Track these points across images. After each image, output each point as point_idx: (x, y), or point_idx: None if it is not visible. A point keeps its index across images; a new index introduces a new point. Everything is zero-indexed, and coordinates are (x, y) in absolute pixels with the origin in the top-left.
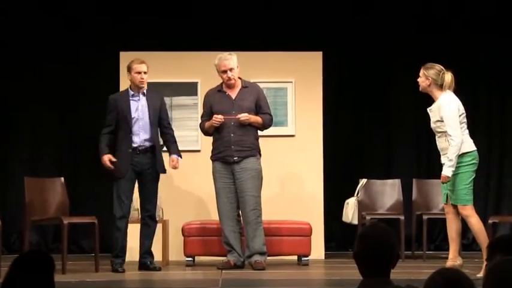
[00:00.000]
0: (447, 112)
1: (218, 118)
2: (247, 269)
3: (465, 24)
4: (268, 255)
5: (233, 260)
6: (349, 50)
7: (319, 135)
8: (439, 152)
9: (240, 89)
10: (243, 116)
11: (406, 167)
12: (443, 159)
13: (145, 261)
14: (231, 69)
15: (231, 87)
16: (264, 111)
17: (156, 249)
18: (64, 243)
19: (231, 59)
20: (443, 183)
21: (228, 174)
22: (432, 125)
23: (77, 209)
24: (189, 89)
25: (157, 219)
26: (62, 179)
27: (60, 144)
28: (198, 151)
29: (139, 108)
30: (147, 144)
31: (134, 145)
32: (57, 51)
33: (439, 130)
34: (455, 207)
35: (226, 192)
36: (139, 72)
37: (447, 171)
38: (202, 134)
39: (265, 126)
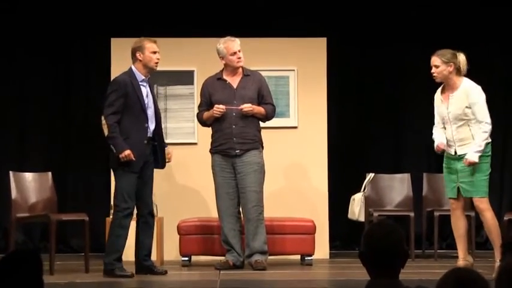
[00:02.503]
0: (477, 97)
1: (220, 108)
2: (246, 269)
3: (478, 6)
4: (270, 255)
5: (232, 260)
6: (355, 36)
7: (323, 127)
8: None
9: (242, 78)
10: (246, 107)
11: (416, 161)
12: (460, 150)
13: (149, 264)
14: (239, 51)
15: (234, 73)
16: (266, 101)
17: (152, 247)
18: (52, 242)
19: (237, 41)
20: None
21: (229, 168)
22: (451, 113)
23: (66, 206)
24: (185, 77)
25: None
26: (50, 173)
27: (48, 137)
28: (195, 144)
29: (148, 95)
30: (153, 135)
31: (149, 135)
32: (44, 39)
33: (464, 118)
34: (465, 203)
35: (226, 187)
36: (155, 52)
37: (474, 156)
38: (200, 126)
39: (268, 117)
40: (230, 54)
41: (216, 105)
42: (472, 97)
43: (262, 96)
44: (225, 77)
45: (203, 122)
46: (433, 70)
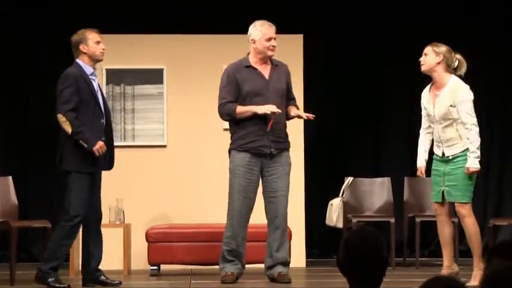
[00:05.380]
0: (465, 96)
1: (275, 110)
2: (245, 279)
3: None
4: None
5: (236, 272)
6: (334, 33)
7: (299, 128)
8: (433, 147)
9: (272, 67)
10: (310, 116)
11: (396, 164)
12: (448, 152)
13: (100, 275)
14: (275, 38)
15: (262, 62)
16: (292, 96)
17: (117, 257)
18: (13, 250)
19: (274, 27)
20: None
21: (256, 170)
22: (437, 113)
23: (27, 212)
24: (154, 76)
25: (117, 222)
26: (10, 178)
27: (7, 138)
28: (164, 146)
29: (98, 90)
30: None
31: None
32: (2, 41)
33: (449, 117)
34: (450, 208)
35: (248, 191)
36: (99, 42)
37: (474, 163)
38: (221, 118)
39: None
40: (265, 40)
41: (273, 106)
42: (459, 96)
43: (288, 90)
44: (253, 64)
45: (232, 116)
46: (421, 58)
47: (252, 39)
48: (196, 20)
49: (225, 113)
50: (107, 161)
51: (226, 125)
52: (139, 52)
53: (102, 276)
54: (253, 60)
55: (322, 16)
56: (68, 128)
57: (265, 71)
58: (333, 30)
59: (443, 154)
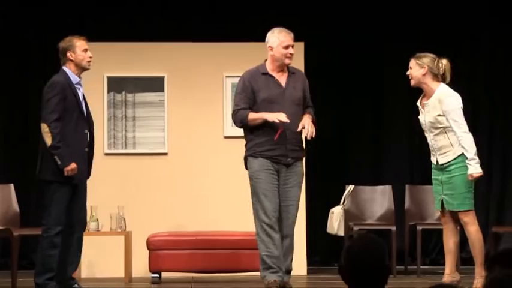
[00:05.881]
0: (452, 104)
1: (284, 120)
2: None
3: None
4: (244, 271)
5: (279, 280)
6: (334, 40)
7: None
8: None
9: (288, 75)
10: (311, 131)
11: (398, 172)
12: (441, 159)
13: (74, 283)
14: (292, 46)
15: (279, 69)
16: (309, 104)
17: (118, 264)
18: (14, 258)
19: (292, 35)
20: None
21: (275, 176)
22: (427, 122)
23: (29, 220)
24: (155, 84)
25: (118, 230)
26: (12, 185)
27: (8, 146)
28: (165, 154)
29: (83, 99)
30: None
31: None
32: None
33: (439, 126)
34: (453, 215)
35: (274, 195)
36: (86, 50)
37: (476, 168)
38: (235, 125)
39: (315, 123)
40: (283, 47)
41: (282, 115)
42: (446, 105)
43: (305, 98)
44: (271, 72)
45: (244, 123)
46: (408, 72)
47: (269, 46)
48: (197, 27)
49: (238, 120)
50: (88, 170)
51: (227, 132)
52: (140, 60)
53: (76, 285)
54: (270, 68)
55: (322, 23)
56: (48, 140)
57: (282, 78)
58: (332, 37)
59: (437, 162)
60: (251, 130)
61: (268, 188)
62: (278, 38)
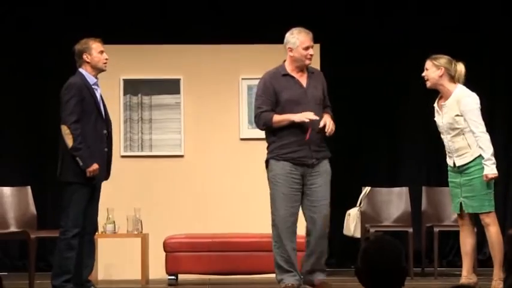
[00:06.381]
0: (470, 104)
1: (313, 118)
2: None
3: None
4: (260, 273)
5: (295, 283)
6: (351, 42)
7: None
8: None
9: (308, 75)
10: (331, 128)
11: (414, 174)
12: (459, 161)
13: (90, 286)
14: (312, 47)
15: (299, 70)
16: (327, 104)
17: (135, 266)
18: (31, 260)
19: (311, 35)
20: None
21: (298, 179)
22: (444, 123)
23: (46, 222)
24: (171, 86)
25: (135, 232)
26: (29, 188)
27: (25, 149)
28: (181, 156)
29: (100, 100)
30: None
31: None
32: (17, 52)
33: (456, 127)
34: (471, 218)
35: (293, 200)
36: (102, 51)
37: (492, 169)
38: (257, 127)
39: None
40: (303, 48)
41: (308, 113)
42: (463, 105)
43: (324, 97)
44: (291, 73)
45: (268, 125)
46: (424, 73)
47: (288, 47)
48: (213, 30)
49: (262, 122)
50: (107, 171)
51: (243, 134)
52: (156, 62)
53: (92, 287)
54: (289, 68)
55: (338, 26)
56: (70, 142)
57: (302, 79)
58: (348, 40)
59: (454, 164)
60: (274, 132)
61: (286, 192)
62: (298, 38)
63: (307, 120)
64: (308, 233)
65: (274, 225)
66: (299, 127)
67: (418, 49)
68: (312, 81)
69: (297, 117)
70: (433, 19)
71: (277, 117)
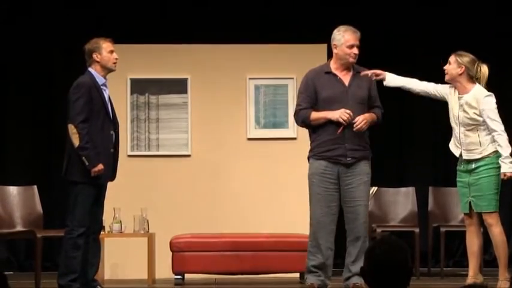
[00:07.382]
0: (490, 103)
1: (347, 114)
2: None
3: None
4: (267, 273)
5: (319, 284)
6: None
7: None
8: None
9: (353, 74)
10: (359, 125)
11: (421, 174)
12: (466, 155)
13: (96, 285)
14: (358, 46)
15: (343, 68)
16: (376, 104)
17: (141, 266)
18: (37, 259)
19: (359, 34)
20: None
21: (333, 178)
22: (461, 116)
23: (53, 221)
24: (178, 86)
25: (141, 232)
26: (35, 187)
27: (32, 148)
28: (189, 156)
29: (108, 100)
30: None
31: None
32: (26, 52)
33: (473, 123)
34: (479, 218)
35: (329, 200)
36: (112, 51)
37: (511, 167)
38: (296, 124)
39: (378, 123)
40: (347, 46)
41: (345, 110)
42: (483, 104)
43: (371, 97)
44: (334, 71)
45: (306, 123)
46: (446, 66)
47: (334, 44)
48: (220, 29)
49: (300, 119)
50: (114, 172)
51: (251, 134)
52: (163, 62)
53: (98, 286)
54: (333, 66)
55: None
56: (76, 141)
57: (346, 77)
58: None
59: (460, 155)
60: (314, 130)
61: (319, 191)
62: (343, 36)
63: (344, 118)
64: (347, 234)
65: (310, 224)
66: (336, 125)
67: (426, 51)
68: (356, 80)
69: (333, 114)
70: (437, 18)
71: (314, 115)
